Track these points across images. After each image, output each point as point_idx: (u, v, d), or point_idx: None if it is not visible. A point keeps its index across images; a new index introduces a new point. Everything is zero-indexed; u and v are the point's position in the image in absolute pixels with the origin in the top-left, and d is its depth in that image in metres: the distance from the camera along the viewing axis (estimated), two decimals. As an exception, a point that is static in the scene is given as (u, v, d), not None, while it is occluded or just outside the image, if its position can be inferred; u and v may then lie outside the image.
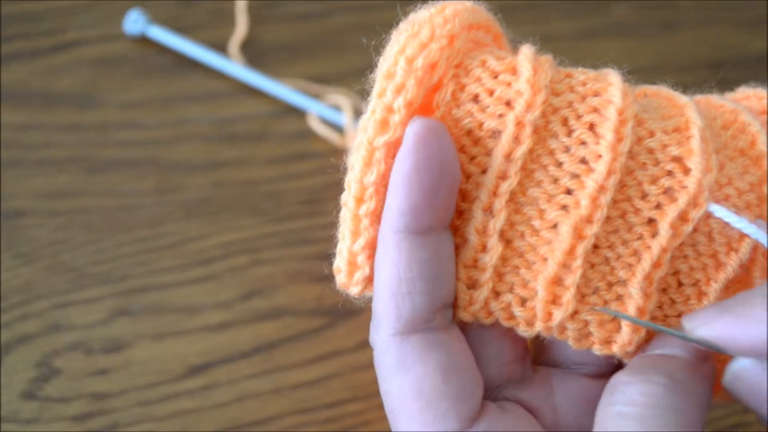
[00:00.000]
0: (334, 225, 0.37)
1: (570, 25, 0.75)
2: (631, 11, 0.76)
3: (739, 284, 0.37)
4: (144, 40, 0.71)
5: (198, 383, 0.58)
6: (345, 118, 0.67)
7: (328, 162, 0.66)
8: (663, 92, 0.38)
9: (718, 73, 0.72)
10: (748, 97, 0.40)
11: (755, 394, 0.33)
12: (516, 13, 0.74)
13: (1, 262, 0.61)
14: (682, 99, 0.37)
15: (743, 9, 0.77)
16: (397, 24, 0.36)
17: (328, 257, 0.37)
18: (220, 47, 0.71)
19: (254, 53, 0.71)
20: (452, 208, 0.35)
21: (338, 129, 0.67)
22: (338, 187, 0.36)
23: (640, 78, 0.38)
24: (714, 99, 0.39)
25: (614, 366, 0.38)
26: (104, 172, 0.65)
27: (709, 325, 0.33)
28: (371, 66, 0.36)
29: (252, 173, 0.66)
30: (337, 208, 0.36)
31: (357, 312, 0.59)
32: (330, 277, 0.38)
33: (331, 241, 0.37)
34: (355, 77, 0.70)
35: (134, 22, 0.71)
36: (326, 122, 0.68)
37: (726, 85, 0.43)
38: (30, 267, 0.61)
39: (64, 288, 0.60)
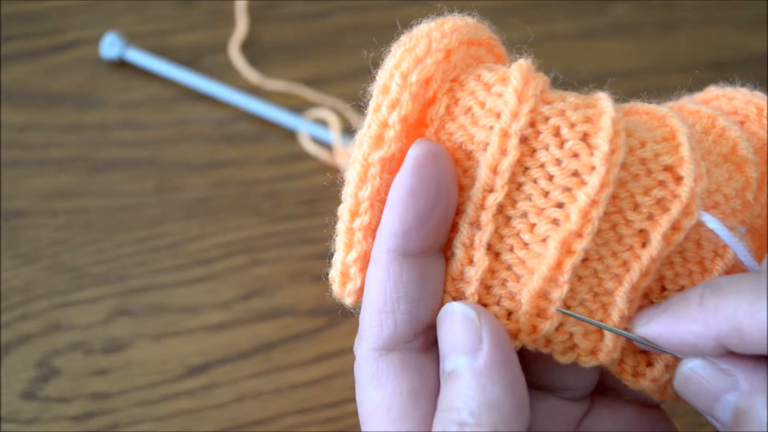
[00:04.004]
0: (333, 225, 0.37)
1: (570, 25, 0.75)
2: (631, 11, 0.76)
3: None
4: (122, 64, 0.69)
5: (198, 383, 0.58)
6: (333, 136, 0.66)
7: (328, 162, 0.66)
8: (639, 108, 0.37)
9: (718, 73, 0.72)
10: (717, 97, 0.40)
11: (704, 395, 0.33)
12: (516, 13, 0.74)
13: (1, 262, 0.61)
14: (661, 109, 0.36)
15: (743, 9, 0.77)
16: (396, 26, 0.36)
17: (328, 257, 0.37)
18: (220, 47, 0.71)
19: (254, 53, 0.71)
20: (446, 232, 0.35)
21: (328, 146, 0.67)
22: (337, 187, 0.36)
23: (640, 78, 0.38)
24: (688, 105, 0.39)
25: (594, 390, 0.38)
26: (104, 172, 0.65)
27: (649, 324, 0.34)
28: (371, 67, 0.36)
29: (252, 173, 0.66)
30: (336, 209, 0.36)
31: (357, 312, 0.59)
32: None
33: (331, 241, 0.37)
34: (355, 77, 0.71)
35: (110, 46, 0.68)
36: (317, 140, 0.67)
37: (726, 85, 0.43)
38: (30, 267, 0.61)
39: (64, 288, 0.60)
